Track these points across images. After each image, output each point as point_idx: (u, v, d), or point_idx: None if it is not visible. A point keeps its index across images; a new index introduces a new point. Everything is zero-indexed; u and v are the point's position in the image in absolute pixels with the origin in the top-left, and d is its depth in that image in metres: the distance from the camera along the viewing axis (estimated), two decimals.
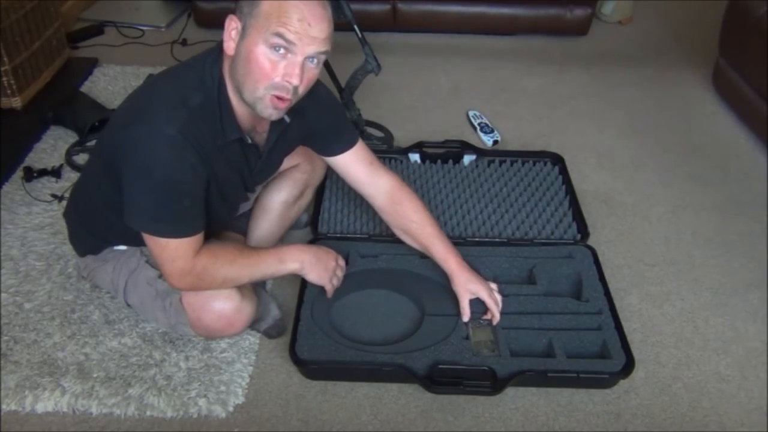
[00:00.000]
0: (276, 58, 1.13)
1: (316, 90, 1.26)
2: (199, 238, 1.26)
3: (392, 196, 1.49)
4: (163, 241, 1.23)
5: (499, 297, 1.49)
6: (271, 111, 1.19)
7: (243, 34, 1.14)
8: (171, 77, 1.26)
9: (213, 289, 1.34)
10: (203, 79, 1.20)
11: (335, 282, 1.48)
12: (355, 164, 1.47)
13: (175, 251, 1.24)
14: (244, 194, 1.48)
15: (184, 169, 1.18)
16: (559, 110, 2.42)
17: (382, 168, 1.50)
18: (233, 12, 1.16)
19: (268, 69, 1.13)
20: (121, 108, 1.28)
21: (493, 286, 1.52)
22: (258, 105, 1.18)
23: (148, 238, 1.25)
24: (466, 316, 1.47)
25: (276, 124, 1.32)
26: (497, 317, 1.47)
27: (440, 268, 1.52)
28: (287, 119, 1.30)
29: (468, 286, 1.47)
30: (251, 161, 1.35)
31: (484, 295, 1.46)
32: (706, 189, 2.05)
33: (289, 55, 1.13)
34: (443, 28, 2.85)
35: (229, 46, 1.16)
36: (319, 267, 1.43)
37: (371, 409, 1.40)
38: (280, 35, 1.11)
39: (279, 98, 1.16)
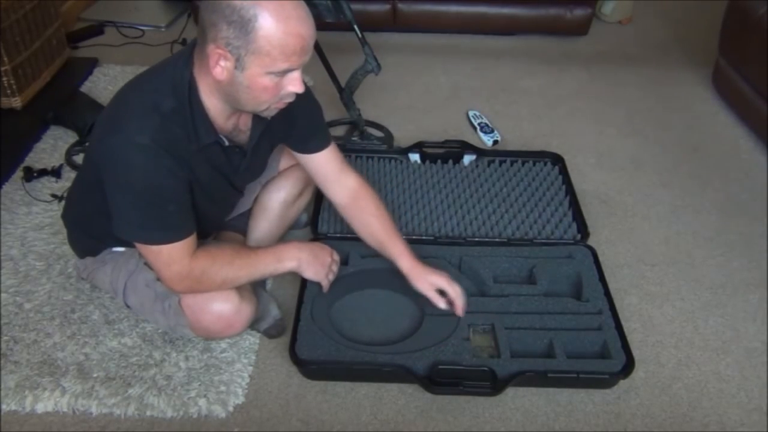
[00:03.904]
0: (279, 79, 1.14)
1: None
2: (191, 240, 1.26)
3: (356, 192, 1.49)
4: (155, 248, 1.23)
5: (458, 287, 1.46)
6: (275, 112, 1.23)
7: (239, 66, 1.11)
8: (142, 83, 1.23)
9: (212, 290, 1.34)
10: (174, 83, 1.18)
11: (331, 277, 1.49)
12: (328, 163, 1.47)
13: (168, 257, 1.24)
14: (234, 193, 1.47)
15: (162, 175, 1.17)
16: (559, 110, 2.42)
17: (350, 168, 1.50)
18: (207, 38, 1.10)
19: (273, 90, 1.16)
20: (99, 118, 1.27)
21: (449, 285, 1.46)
22: (263, 113, 1.22)
23: (140, 246, 1.25)
24: (442, 303, 1.44)
25: (258, 123, 1.31)
26: (459, 308, 1.44)
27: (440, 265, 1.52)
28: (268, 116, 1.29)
29: (428, 278, 1.45)
30: (234, 161, 1.34)
31: (444, 286, 1.44)
32: (706, 189, 2.05)
33: (291, 72, 1.15)
34: (443, 28, 2.85)
35: (219, 73, 1.13)
36: (315, 264, 1.44)
37: (371, 409, 1.40)
38: (286, 70, 1.13)
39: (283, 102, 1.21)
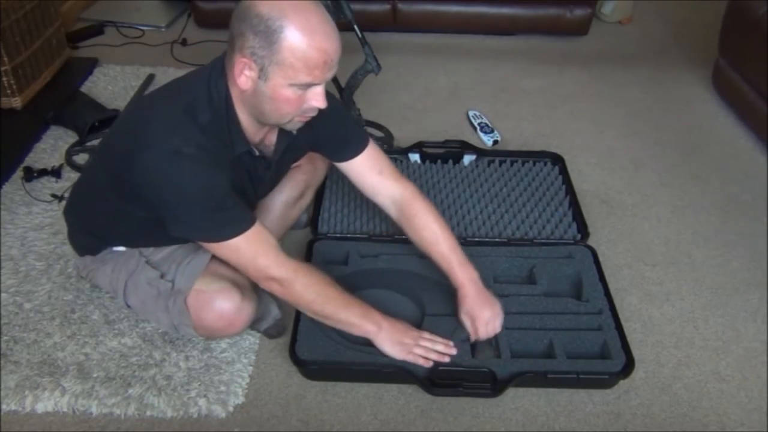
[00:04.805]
0: (302, 92, 1.16)
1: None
2: (261, 230, 1.26)
3: (402, 209, 1.46)
4: (233, 243, 1.23)
5: (497, 324, 1.43)
6: (298, 126, 1.26)
7: (263, 76, 1.12)
8: (174, 97, 1.24)
9: (298, 305, 1.36)
10: (210, 96, 1.20)
11: (419, 351, 1.39)
12: (362, 173, 1.46)
13: (248, 249, 1.25)
14: (253, 203, 1.48)
15: (211, 174, 1.19)
16: (559, 110, 2.42)
17: (392, 178, 1.47)
18: (235, 48, 1.13)
19: (296, 103, 1.17)
20: (126, 127, 1.27)
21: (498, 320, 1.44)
22: (286, 126, 1.24)
23: (220, 249, 1.25)
24: (473, 336, 1.44)
25: (283, 136, 1.33)
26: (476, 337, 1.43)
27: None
28: (294, 131, 1.31)
29: (466, 313, 1.42)
30: (260, 172, 1.36)
31: (478, 327, 1.41)
32: (706, 189, 2.05)
33: (314, 86, 1.16)
34: (443, 28, 2.85)
35: (243, 82, 1.15)
36: (392, 340, 1.39)
37: (371, 409, 1.40)
38: (308, 83, 1.14)
39: (306, 116, 1.22)
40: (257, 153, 1.31)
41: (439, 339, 1.43)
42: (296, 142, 1.37)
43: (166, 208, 1.22)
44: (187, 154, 1.16)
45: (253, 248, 1.26)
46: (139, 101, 1.27)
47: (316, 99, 1.17)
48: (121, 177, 1.24)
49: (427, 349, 1.40)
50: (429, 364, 1.39)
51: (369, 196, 1.50)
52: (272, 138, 1.33)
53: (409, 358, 1.39)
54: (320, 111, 1.22)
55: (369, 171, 1.46)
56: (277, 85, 1.13)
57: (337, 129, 1.42)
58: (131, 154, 1.19)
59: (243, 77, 1.14)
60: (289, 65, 1.10)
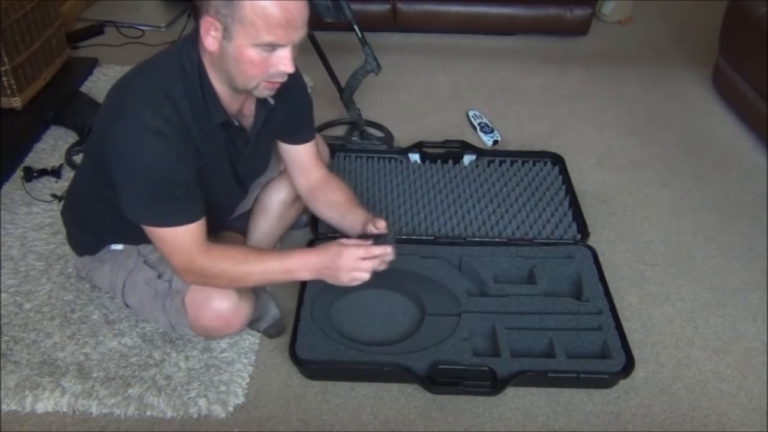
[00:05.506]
0: (267, 54, 1.15)
1: (298, 74, 1.25)
2: (197, 228, 1.24)
3: (325, 177, 1.52)
4: (160, 232, 1.23)
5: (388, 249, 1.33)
6: (266, 93, 1.24)
7: (227, 35, 1.12)
8: (148, 70, 1.24)
9: (220, 287, 1.34)
10: (183, 68, 1.19)
11: (362, 275, 1.29)
12: (308, 155, 1.50)
13: (173, 243, 1.24)
14: (236, 189, 1.47)
15: (172, 159, 1.18)
16: (559, 110, 2.42)
17: (321, 163, 1.54)
18: (202, 9, 1.14)
19: (261, 66, 1.16)
20: (104, 106, 1.27)
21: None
22: (254, 91, 1.23)
23: (148, 230, 1.25)
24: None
25: (262, 107, 1.32)
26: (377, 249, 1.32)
27: (441, 269, 1.53)
28: (272, 101, 1.31)
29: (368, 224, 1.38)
30: (239, 146, 1.35)
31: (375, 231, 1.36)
32: (706, 189, 2.05)
33: (279, 49, 1.15)
34: (443, 28, 2.85)
35: (210, 43, 1.15)
36: (334, 273, 1.29)
37: (371, 409, 1.40)
38: (271, 43, 1.13)
39: (273, 82, 1.21)
40: (236, 123, 1.29)
41: (374, 248, 1.30)
42: (275, 115, 1.35)
43: (119, 179, 1.20)
44: (156, 130, 1.15)
45: (177, 243, 1.24)
46: (117, 82, 1.25)
47: (283, 63, 1.16)
48: (99, 156, 1.23)
49: (368, 261, 1.29)
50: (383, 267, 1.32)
51: (296, 174, 1.52)
52: (251, 107, 1.32)
53: (356, 283, 1.30)
54: (299, 86, 1.22)
55: (312, 155, 1.50)
56: (241, 45, 1.12)
57: (307, 108, 1.45)
58: (106, 128, 1.19)
59: (209, 38, 1.14)
60: (250, 23, 1.10)
